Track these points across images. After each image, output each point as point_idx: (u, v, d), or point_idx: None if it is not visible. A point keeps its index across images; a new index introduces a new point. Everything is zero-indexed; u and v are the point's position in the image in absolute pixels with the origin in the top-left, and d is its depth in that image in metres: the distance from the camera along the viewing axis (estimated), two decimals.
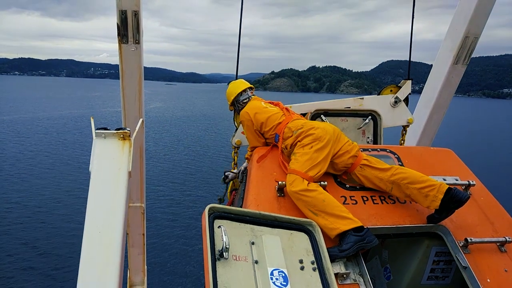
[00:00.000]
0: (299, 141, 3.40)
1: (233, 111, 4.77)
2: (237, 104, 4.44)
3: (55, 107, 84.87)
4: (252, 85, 4.51)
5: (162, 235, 19.79)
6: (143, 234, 5.94)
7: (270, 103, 4.17)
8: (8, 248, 18.36)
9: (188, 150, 42.53)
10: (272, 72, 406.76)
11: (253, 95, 4.44)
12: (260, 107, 4.02)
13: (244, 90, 4.42)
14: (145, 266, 6.39)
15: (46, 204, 24.11)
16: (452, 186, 3.12)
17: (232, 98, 4.45)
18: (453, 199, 3.02)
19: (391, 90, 5.60)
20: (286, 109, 4.02)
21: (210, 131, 57.68)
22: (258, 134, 3.96)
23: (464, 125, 73.59)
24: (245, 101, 4.35)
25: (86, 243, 2.47)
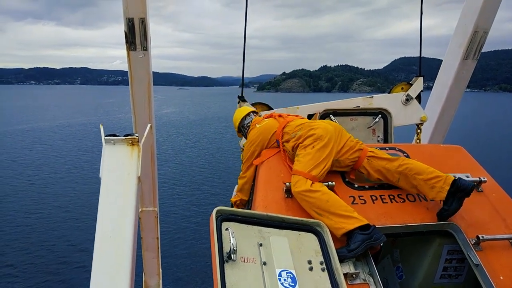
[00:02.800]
0: (300, 143, 3.42)
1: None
2: (243, 129, 4.54)
3: (73, 114, 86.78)
4: (255, 110, 4.69)
5: (178, 238, 19.94)
6: (157, 238, 6.00)
7: (265, 117, 4.21)
8: (23, 250, 18.92)
9: (203, 153, 42.81)
10: (283, 73, 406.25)
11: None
12: (256, 130, 4.01)
13: (248, 114, 4.55)
14: (160, 270, 6.44)
15: (67, 208, 24.56)
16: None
17: (238, 123, 4.58)
18: (459, 188, 3.04)
19: (402, 88, 5.52)
20: (279, 115, 4.03)
21: (225, 133, 57.87)
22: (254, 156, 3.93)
23: (480, 120, 72.25)
24: (248, 124, 4.45)
25: (97, 247, 2.52)
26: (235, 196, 4.22)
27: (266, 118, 4.18)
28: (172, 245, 18.94)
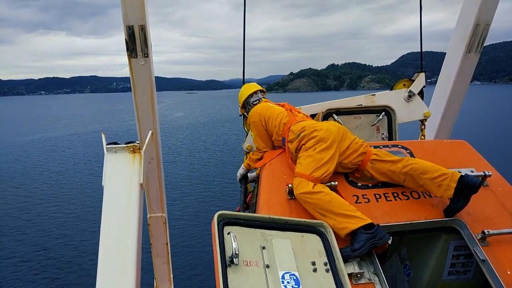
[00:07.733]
0: (303, 144, 3.40)
1: (242, 117, 4.84)
2: (247, 106, 4.49)
3: (89, 122, 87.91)
4: (264, 89, 4.59)
5: (190, 242, 19.96)
6: (167, 244, 6.02)
7: (277, 104, 4.23)
8: (28, 257, 19.20)
9: (214, 156, 42.73)
10: (291, 73, 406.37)
11: (264, 97, 4.50)
12: (268, 106, 4.12)
13: (255, 92, 4.50)
14: (171, 275, 6.46)
15: (81, 215, 24.79)
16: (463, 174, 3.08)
17: (243, 99, 4.53)
18: (467, 185, 2.99)
19: (404, 84, 5.48)
20: (290, 110, 4.03)
21: (239, 135, 57.78)
22: (266, 136, 4.00)
23: (489, 114, 70.87)
24: (255, 102, 4.41)
25: (102, 256, 2.55)
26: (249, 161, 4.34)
27: (278, 105, 4.19)
28: (184, 249, 18.97)
